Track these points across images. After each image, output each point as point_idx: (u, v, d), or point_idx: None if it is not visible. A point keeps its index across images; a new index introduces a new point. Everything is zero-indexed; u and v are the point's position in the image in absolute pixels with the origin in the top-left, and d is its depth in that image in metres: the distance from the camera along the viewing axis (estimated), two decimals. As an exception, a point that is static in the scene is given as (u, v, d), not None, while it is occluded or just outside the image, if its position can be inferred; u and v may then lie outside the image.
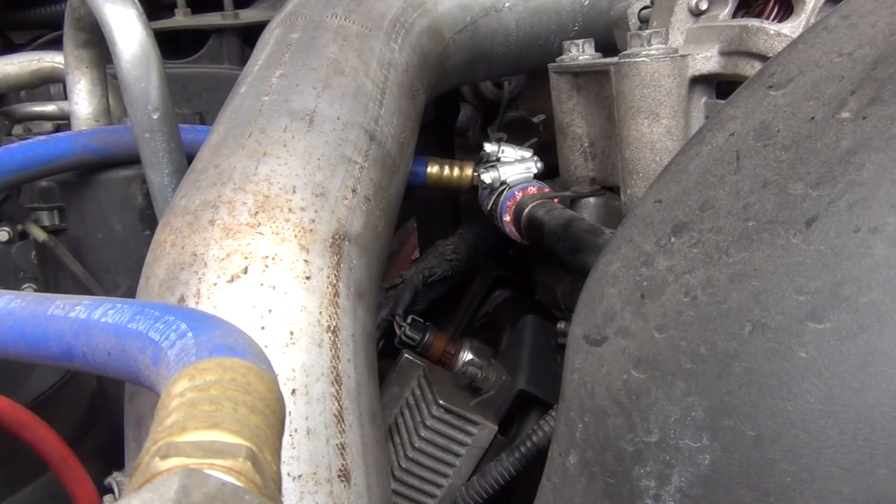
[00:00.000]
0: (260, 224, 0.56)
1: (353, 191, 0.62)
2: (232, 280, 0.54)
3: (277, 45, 0.74)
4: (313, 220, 0.58)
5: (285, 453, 0.50)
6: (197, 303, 0.54)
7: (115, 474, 0.56)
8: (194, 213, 0.57)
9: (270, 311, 0.53)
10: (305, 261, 0.56)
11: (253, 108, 0.65)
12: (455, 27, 0.89)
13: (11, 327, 0.48)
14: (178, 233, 0.57)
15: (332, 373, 0.53)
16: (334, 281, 0.56)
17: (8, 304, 0.50)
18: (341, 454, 0.52)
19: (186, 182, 0.62)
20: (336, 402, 0.53)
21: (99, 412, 0.85)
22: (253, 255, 0.55)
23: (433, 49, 0.86)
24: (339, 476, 0.51)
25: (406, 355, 1.00)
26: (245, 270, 0.54)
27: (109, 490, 0.56)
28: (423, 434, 0.90)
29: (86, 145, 0.91)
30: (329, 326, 0.55)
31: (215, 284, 0.54)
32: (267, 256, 0.55)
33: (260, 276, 0.54)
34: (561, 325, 0.88)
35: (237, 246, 0.55)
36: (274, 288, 0.54)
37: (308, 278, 0.55)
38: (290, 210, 0.58)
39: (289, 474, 0.50)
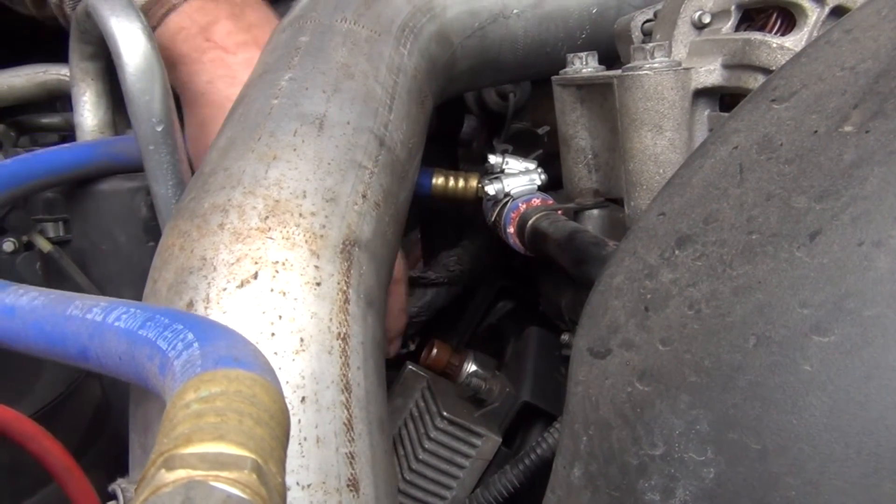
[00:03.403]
0: (270, 229, 0.56)
1: (363, 196, 0.62)
2: (242, 285, 0.54)
3: (286, 48, 0.74)
4: (324, 226, 0.58)
5: (295, 462, 0.50)
6: (206, 307, 0.53)
7: (120, 480, 0.55)
8: (203, 217, 0.57)
9: (281, 317, 0.53)
10: (316, 266, 0.56)
11: (262, 111, 0.65)
12: (463, 33, 0.89)
13: (33, 324, 0.49)
14: (187, 236, 0.57)
15: (341, 380, 0.53)
16: (344, 287, 0.56)
17: (32, 300, 0.51)
18: (350, 463, 0.52)
19: (195, 184, 0.61)
20: (346, 411, 0.53)
21: (103, 424, 0.85)
22: (263, 260, 0.55)
23: (441, 55, 0.86)
24: (348, 486, 0.51)
25: (409, 366, 1.00)
26: (255, 275, 0.54)
27: (113, 497, 0.56)
28: (426, 446, 0.90)
29: (107, 153, 0.93)
30: (339, 333, 0.54)
31: (225, 289, 0.54)
32: (277, 262, 0.55)
33: (270, 281, 0.54)
34: (565, 337, 0.88)
35: (247, 251, 0.55)
36: (284, 294, 0.54)
37: (318, 284, 0.55)
38: (300, 215, 0.57)
39: (298, 483, 0.50)
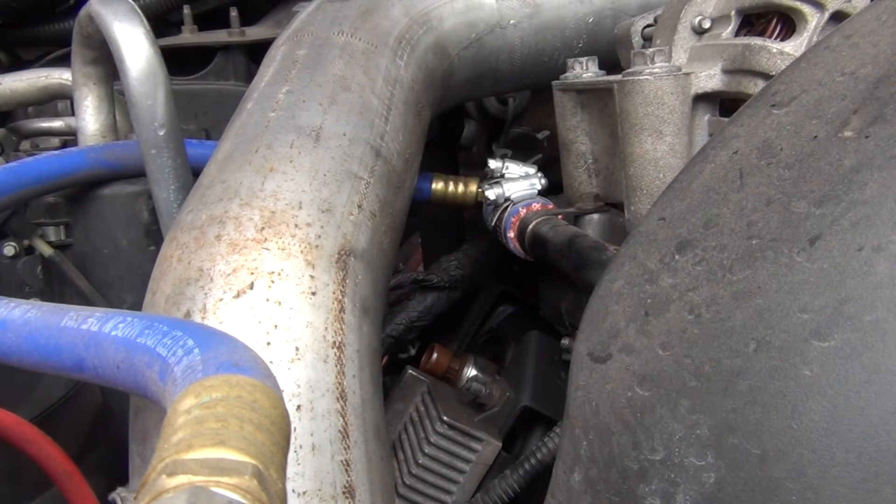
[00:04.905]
0: (266, 239, 0.57)
1: (359, 206, 0.62)
2: (238, 295, 0.54)
3: (284, 62, 0.75)
4: (319, 236, 0.58)
5: (290, 469, 0.50)
6: (203, 318, 0.54)
7: (120, 489, 0.56)
8: (201, 229, 0.58)
9: (276, 326, 0.53)
10: (311, 276, 0.56)
11: (260, 124, 0.66)
12: (460, 44, 0.90)
13: (27, 337, 0.49)
14: (185, 248, 0.57)
15: (337, 389, 0.54)
16: (340, 297, 0.57)
17: (24, 313, 0.50)
18: (346, 470, 0.52)
19: (193, 197, 0.62)
20: (341, 418, 0.53)
21: (103, 428, 0.85)
22: (259, 271, 0.55)
23: (438, 66, 0.86)
24: (343, 493, 0.51)
25: (410, 371, 1.00)
26: (251, 286, 0.55)
27: None
28: (426, 451, 0.90)
29: (98, 159, 0.93)
30: (334, 342, 0.55)
31: (221, 300, 0.54)
32: (273, 272, 0.55)
33: (266, 291, 0.55)
34: (565, 342, 0.88)
35: (243, 261, 0.55)
36: (280, 303, 0.54)
37: (314, 294, 0.55)
38: (296, 226, 0.58)
39: (293, 490, 0.50)
